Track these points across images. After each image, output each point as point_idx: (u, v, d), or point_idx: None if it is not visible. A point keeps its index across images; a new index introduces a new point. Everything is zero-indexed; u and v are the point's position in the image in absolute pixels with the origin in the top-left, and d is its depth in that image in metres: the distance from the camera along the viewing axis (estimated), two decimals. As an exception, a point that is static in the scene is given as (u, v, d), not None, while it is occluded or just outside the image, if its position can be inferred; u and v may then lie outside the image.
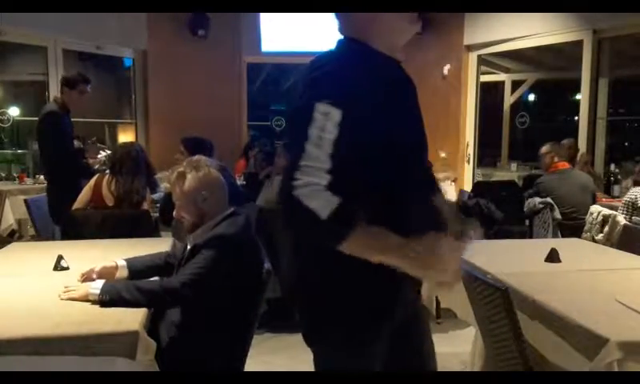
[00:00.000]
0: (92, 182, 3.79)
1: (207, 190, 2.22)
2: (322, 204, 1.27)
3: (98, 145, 5.67)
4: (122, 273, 2.26)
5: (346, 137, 1.31)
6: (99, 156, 4.71)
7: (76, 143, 4.88)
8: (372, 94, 1.38)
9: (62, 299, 2.01)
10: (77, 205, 3.73)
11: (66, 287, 2.07)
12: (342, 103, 1.32)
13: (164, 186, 4.05)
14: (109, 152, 4.57)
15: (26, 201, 4.41)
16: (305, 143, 1.30)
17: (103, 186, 3.73)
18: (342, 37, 1.53)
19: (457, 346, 3.44)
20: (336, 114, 1.31)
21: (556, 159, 5.03)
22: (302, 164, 1.29)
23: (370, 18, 1.47)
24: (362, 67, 1.42)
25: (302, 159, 1.30)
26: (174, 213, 2.28)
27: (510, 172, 7.37)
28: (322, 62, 1.46)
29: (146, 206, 3.81)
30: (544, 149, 5.10)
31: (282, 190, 1.32)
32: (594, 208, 4.47)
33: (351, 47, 1.48)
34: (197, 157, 2.39)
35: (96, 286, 1.98)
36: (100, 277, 2.17)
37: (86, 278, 2.18)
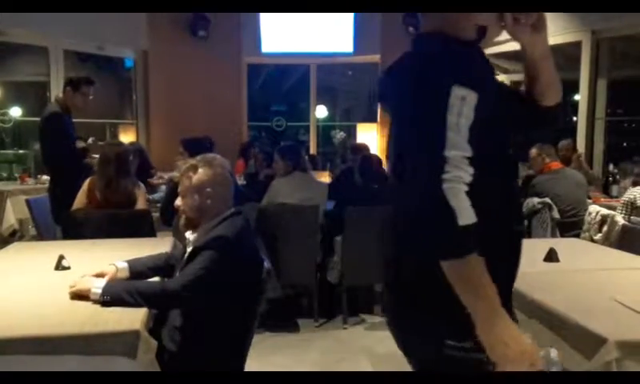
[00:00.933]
0: (85, 185, 3.74)
1: (213, 189, 2.22)
2: (464, 211, 1.22)
3: (99, 143, 5.67)
4: (123, 274, 2.25)
5: (478, 121, 1.26)
6: (97, 155, 4.70)
7: (80, 143, 4.88)
8: (488, 80, 1.36)
9: (70, 291, 2.02)
10: (75, 206, 3.71)
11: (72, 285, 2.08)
12: (477, 86, 1.26)
13: (172, 174, 3.95)
14: None
15: (27, 201, 4.41)
16: (445, 131, 1.24)
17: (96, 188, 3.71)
18: (423, 33, 1.44)
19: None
20: (473, 98, 1.25)
21: (547, 160, 5.01)
22: (448, 154, 1.23)
23: (466, 15, 1.40)
24: (470, 54, 1.35)
25: (446, 148, 1.23)
26: (176, 202, 2.28)
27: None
28: (424, 49, 1.38)
29: (141, 204, 3.75)
30: (533, 151, 5.08)
31: (424, 182, 1.25)
32: (593, 208, 4.47)
33: (448, 39, 1.37)
34: (212, 155, 2.39)
35: (98, 286, 1.99)
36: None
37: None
